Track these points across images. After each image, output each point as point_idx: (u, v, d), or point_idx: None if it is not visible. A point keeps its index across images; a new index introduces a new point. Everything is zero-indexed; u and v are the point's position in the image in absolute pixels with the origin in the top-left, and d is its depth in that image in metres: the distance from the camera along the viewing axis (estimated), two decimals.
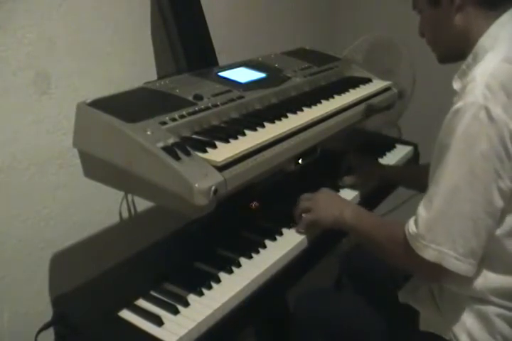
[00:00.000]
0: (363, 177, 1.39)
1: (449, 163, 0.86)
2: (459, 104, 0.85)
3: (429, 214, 0.88)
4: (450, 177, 0.86)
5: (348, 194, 1.34)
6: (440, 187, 0.87)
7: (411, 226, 0.91)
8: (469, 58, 0.96)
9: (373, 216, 1.11)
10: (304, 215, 1.15)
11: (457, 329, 0.96)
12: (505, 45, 0.91)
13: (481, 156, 0.83)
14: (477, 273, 0.92)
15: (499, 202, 0.85)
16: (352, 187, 1.37)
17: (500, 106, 0.82)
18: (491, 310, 0.94)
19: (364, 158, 1.48)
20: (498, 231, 0.90)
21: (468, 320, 0.95)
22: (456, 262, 0.87)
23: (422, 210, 0.90)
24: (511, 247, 0.91)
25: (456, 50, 1.00)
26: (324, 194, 1.19)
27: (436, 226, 0.87)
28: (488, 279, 0.93)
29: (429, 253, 0.88)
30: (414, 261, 0.90)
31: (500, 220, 0.88)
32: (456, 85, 0.98)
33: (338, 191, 1.35)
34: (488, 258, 0.92)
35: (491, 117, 0.82)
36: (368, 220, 1.08)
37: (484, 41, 0.94)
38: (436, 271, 0.89)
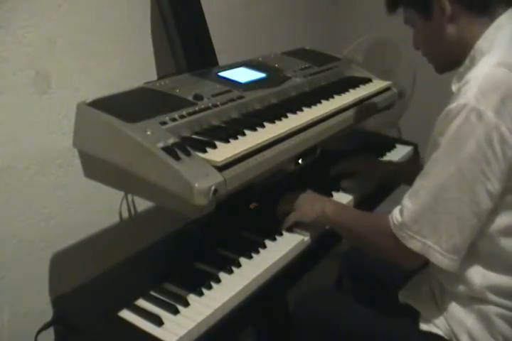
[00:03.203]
0: (364, 178, 1.39)
1: (439, 161, 0.88)
2: (451, 105, 0.87)
3: (415, 206, 0.90)
4: (438, 175, 0.88)
5: (346, 196, 1.34)
6: (428, 182, 0.89)
7: (396, 216, 0.93)
8: (467, 61, 0.97)
9: (354, 209, 1.15)
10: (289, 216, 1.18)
11: (458, 329, 0.96)
12: (501, 49, 0.91)
13: (469, 157, 0.84)
14: (475, 272, 0.94)
15: (487, 204, 0.87)
16: (352, 189, 1.36)
17: (491, 109, 0.83)
18: (491, 310, 0.94)
19: (365, 160, 1.48)
20: (492, 230, 0.91)
21: (468, 320, 0.96)
22: (439, 256, 0.89)
23: (407, 201, 0.92)
24: (506, 245, 0.92)
25: (452, 58, 1.00)
26: (306, 194, 1.22)
27: (422, 219, 0.89)
28: (487, 278, 0.93)
29: (414, 244, 0.90)
30: (399, 250, 0.93)
31: (490, 219, 0.90)
32: (455, 87, 0.98)
33: (338, 191, 1.34)
34: (486, 256, 0.93)
35: (481, 119, 0.83)
36: (348, 213, 1.12)
37: (481, 44, 0.94)
38: (419, 261, 0.93)
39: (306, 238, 1.15)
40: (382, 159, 1.57)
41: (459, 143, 0.85)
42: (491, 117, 0.83)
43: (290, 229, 1.17)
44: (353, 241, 1.14)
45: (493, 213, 0.90)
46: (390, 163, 1.51)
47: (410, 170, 1.37)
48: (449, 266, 0.90)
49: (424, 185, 0.90)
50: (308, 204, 1.17)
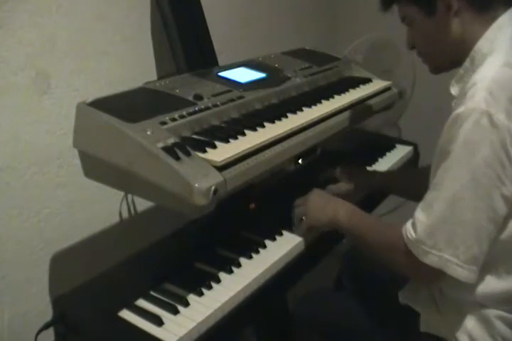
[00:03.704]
0: (349, 188, 1.36)
1: (451, 169, 0.85)
2: (459, 110, 0.84)
3: (429, 220, 0.87)
4: (452, 184, 0.85)
5: None
6: (441, 194, 0.86)
7: (409, 231, 0.90)
8: (466, 62, 0.95)
9: (368, 217, 1.09)
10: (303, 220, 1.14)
11: (458, 331, 0.95)
12: (504, 50, 0.90)
13: (483, 163, 0.82)
14: (478, 280, 0.91)
15: (503, 209, 0.84)
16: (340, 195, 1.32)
17: (502, 112, 0.81)
18: (491, 312, 0.94)
19: (351, 169, 1.42)
20: (503, 236, 0.89)
21: (469, 322, 0.95)
22: (457, 268, 0.85)
23: (421, 215, 0.89)
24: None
25: (452, 57, 0.98)
26: (316, 195, 1.16)
27: (438, 232, 0.86)
28: (490, 286, 0.92)
29: (430, 259, 0.87)
30: (414, 265, 0.90)
31: (502, 226, 0.87)
32: (454, 90, 0.97)
33: None
34: (493, 263, 0.91)
35: (493, 123, 0.81)
36: (363, 222, 1.06)
37: (482, 45, 0.92)
38: (436, 276, 0.89)
39: (306, 238, 1.15)
40: (369, 169, 1.54)
41: (471, 149, 0.82)
42: (502, 120, 0.81)
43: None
44: (366, 251, 1.09)
45: (506, 219, 0.87)
46: (376, 173, 1.46)
47: (401, 181, 1.36)
48: (468, 278, 0.86)
49: (437, 197, 0.86)
50: (319, 207, 1.12)
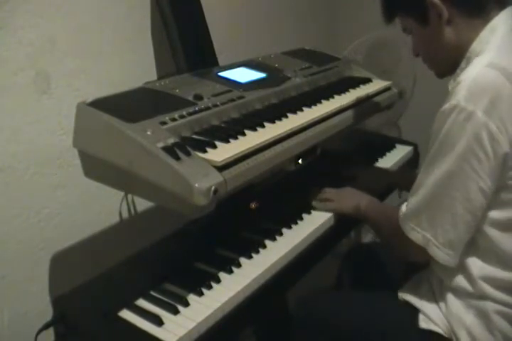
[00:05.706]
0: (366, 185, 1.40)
1: (434, 159, 0.92)
2: (444, 107, 0.90)
3: (415, 202, 0.97)
4: (433, 172, 0.92)
5: None
6: (425, 180, 0.94)
7: (402, 210, 1.00)
8: (463, 63, 0.99)
9: (384, 205, 1.23)
10: (326, 203, 1.25)
11: (457, 326, 0.98)
12: (492, 51, 0.93)
13: (460, 156, 0.88)
14: (473, 263, 0.96)
15: (480, 201, 0.90)
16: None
17: (480, 109, 0.86)
18: (490, 307, 0.96)
19: (367, 168, 1.50)
20: (485, 226, 0.94)
21: (468, 317, 0.97)
22: (435, 249, 0.94)
23: (410, 196, 0.99)
24: (500, 241, 0.94)
25: (452, 61, 1.02)
26: (348, 188, 1.30)
27: (421, 213, 0.95)
28: (483, 270, 0.96)
29: (415, 236, 0.96)
30: (404, 241, 0.98)
31: (484, 215, 0.93)
32: (450, 88, 1.00)
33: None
34: (483, 250, 0.96)
35: (469, 119, 0.86)
36: (378, 208, 1.19)
37: (476, 46, 0.96)
38: (422, 253, 0.96)
39: (306, 238, 1.15)
40: (381, 164, 1.57)
41: (450, 143, 0.89)
42: (479, 116, 0.85)
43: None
44: (377, 233, 1.23)
45: (487, 209, 0.93)
46: (385, 171, 1.52)
47: (404, 179, 1.40)
48: (445, 260, 0.94)
49: (422, 182, 0.95)
50: (349, 197, 1.24)
